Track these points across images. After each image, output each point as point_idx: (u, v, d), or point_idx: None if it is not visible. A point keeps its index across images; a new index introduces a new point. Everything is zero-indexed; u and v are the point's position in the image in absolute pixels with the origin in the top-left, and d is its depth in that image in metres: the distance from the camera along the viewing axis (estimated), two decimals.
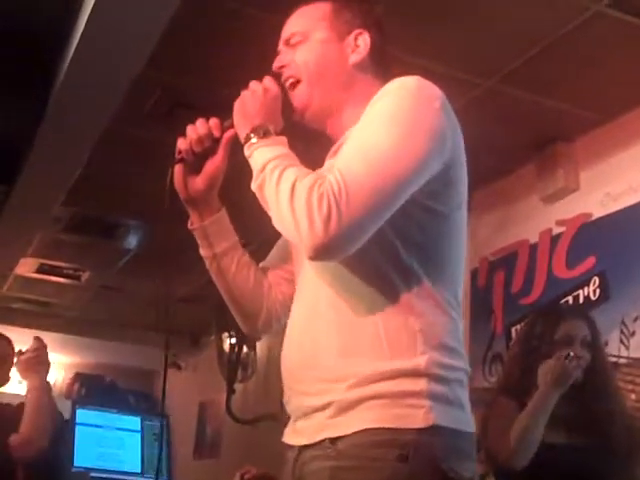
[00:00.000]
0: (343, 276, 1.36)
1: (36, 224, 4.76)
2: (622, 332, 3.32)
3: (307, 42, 1.51)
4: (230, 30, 2.99)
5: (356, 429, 1.28)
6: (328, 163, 1.46)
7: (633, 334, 3.28)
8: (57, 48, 3.12)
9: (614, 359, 3.19)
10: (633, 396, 3.15)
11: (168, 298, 2.86)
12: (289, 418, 1.45)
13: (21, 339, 3.44)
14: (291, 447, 1.42)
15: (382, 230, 1.31)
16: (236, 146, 1.50)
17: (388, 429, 1.27)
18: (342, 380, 1.32)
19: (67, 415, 6.16)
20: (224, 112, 1.50)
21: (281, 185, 1.29)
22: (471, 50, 3.08)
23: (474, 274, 4.08)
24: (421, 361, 1.30)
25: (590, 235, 3.58)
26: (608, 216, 3.52)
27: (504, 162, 3.91)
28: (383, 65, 1.54)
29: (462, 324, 1.42)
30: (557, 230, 3.74)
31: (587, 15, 2.81)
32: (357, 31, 1.51)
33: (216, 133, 1.51)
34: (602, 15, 2.80)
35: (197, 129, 1.51)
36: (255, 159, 1.37)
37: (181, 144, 1.53)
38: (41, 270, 5.80)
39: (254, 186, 1.35)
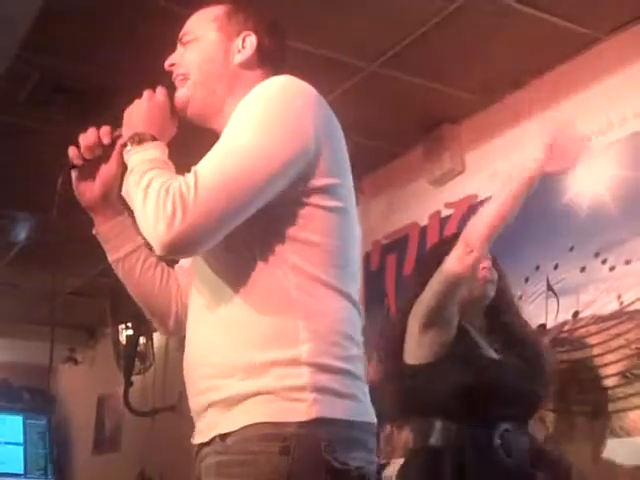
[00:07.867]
0: (222, 273, 1.40)
1: None
2: None
3: (198, 42, 1.57)
4: (113, 13, 2.90)
5: (243, 424, 1.30)
6: None
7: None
8: None
9: None
10: None
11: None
12: (188, 410, 1.46)
13: None
14: (195, 446, 1.43)
15: (257, 226, 1.34)
16: None
17: (273, 423, 1.28)
18: (227, 376, 1.34)
19: None
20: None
21: (139, 186, 1.34)
22: (354, 34, 3.11)
23: (367, 258, 4.14)
24: (302, 350, 1.31)
25: None
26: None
27: (391, 146, 3.97)
28: (275, 64, 1.58)
29: (360, 312, 1.44)
30: (446, 212, 3.84)
31: None
32: (245, 33, 1.57)
33: (105, 140, 1.55)
34: None
35: (87, 137, 1.55)
36: (128, 165, 1.42)
37: (71, 151, 1.56)
38: None
39: (123, 191, 1.41)
